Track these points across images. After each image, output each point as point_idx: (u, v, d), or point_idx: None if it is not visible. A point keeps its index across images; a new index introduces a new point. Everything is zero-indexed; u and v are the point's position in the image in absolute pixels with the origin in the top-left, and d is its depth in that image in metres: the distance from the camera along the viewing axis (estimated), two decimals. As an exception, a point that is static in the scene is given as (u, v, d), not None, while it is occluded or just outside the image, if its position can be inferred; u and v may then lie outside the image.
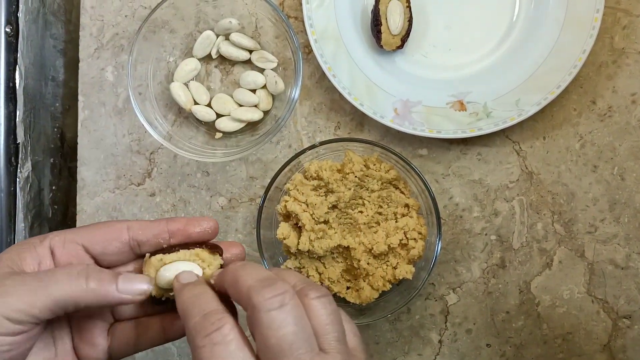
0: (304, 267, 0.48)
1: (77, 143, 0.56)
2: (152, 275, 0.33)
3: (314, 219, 0.47)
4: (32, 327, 0.30)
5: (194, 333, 0.29)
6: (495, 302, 0.52)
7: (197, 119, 0.53)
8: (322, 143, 0.48)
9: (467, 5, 0.52)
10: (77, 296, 0.30)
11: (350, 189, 0.47)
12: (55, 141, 0.59)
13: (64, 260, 0.33)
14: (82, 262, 0.33)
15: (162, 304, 0.34)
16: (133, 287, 0.32)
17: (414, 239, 0.48)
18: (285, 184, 0.49)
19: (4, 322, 0.29)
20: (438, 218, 0.47)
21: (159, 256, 0.33)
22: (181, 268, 0.33)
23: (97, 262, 0.34)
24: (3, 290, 0.30)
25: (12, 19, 0.53)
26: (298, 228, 0.48)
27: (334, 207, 0.48)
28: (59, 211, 0.59)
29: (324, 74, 0.51)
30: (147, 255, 0.34)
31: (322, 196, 0.47)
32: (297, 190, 0.47)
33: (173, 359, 0.55)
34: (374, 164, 0.48)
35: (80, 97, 0.55)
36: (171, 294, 0.33)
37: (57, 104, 0.59)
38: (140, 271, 0.34)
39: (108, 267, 0.34)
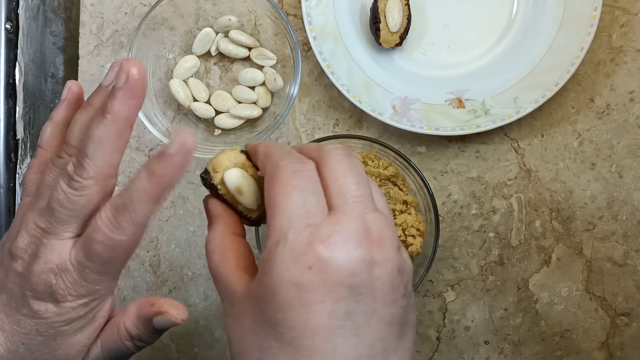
0: None
1: (76, 140, 0.56)
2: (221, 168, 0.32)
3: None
4: None
5: (279, 157, 0.29)
6: (493, 299, 0.52)
7: (196, 116, 0.54)
8: (320, 140, 0.48)
9: (466, 3, 0.52)
10: None
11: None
12: (55, 138, 0.59)
13: None
14: None
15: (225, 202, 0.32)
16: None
17: (413, 235, 0.48)
18: None
19: None
20: (436, 215, 0.47)
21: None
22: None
23: None
24: None
25: (12, 16, 0.53)
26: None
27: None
28: (58, 208, 0.59)
29: (322, 71, 0.51)
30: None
31: None
32: None
33: (172, 355, 0.55)
34: (373, 161, 0.48)
35: (79, 94, 0.55)
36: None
37: (57, 101, 0.59)
38: None
39: None
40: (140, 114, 0.50)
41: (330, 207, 0.28)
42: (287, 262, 0.26)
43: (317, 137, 0.54)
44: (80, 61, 0.55)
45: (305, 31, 0.51)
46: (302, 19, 0.51)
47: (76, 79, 0.56)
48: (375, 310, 0.27)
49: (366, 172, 0.47)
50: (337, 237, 0.26)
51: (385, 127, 0.53)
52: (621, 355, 0.51)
